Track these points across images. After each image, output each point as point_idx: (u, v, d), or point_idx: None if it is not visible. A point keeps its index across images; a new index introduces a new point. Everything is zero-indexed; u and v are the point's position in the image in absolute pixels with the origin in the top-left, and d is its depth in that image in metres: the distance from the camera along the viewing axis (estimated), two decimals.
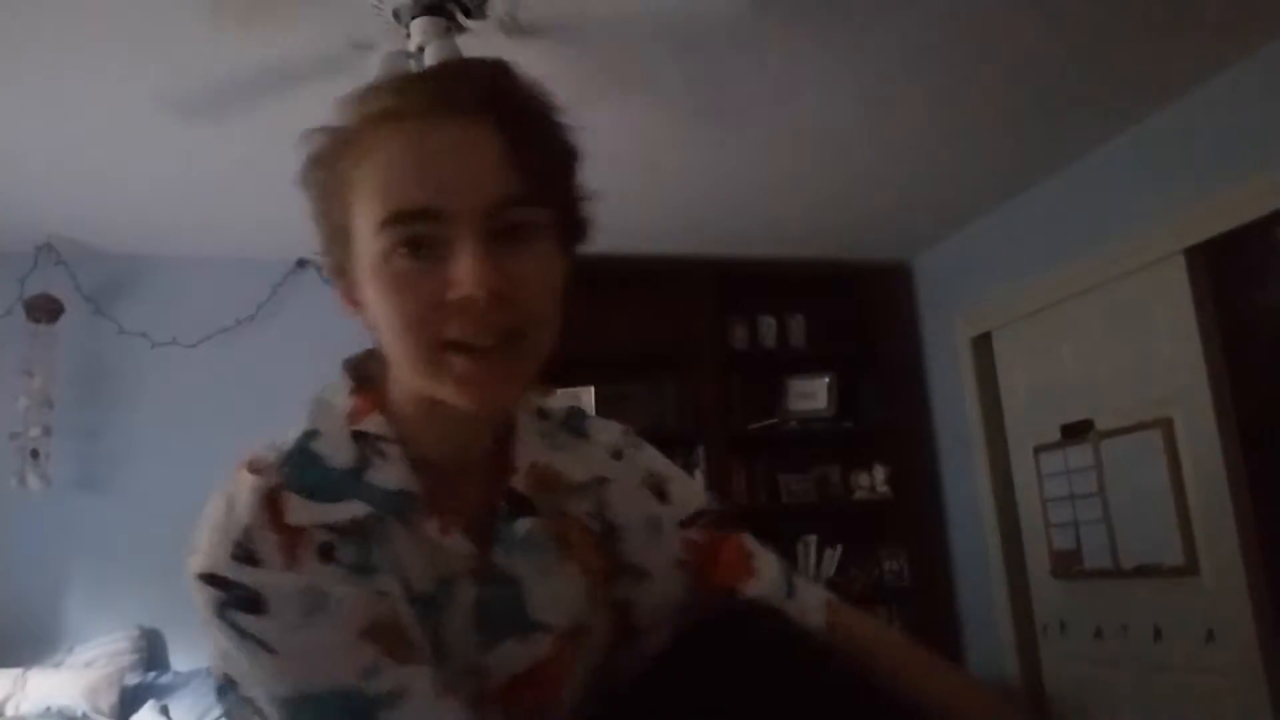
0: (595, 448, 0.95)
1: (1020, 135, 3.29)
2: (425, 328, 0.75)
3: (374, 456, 0.81)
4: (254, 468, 0.77)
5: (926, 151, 3.38)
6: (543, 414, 0.95)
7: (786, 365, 4.37)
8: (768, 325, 4.38)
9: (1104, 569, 3.38)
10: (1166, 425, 3.14)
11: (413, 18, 2.33)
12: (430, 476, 0.82)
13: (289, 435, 0.82)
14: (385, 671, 0.73)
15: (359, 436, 0.81)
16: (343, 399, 0.84)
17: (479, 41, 2.45)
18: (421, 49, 2.31)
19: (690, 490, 0.98)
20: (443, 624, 0.80)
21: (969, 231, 4.12)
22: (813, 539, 4.24)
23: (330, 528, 0.76)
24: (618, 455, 0.96)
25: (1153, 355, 3.22)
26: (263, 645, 0.72)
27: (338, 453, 0.80)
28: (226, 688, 0.80)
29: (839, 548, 4.24)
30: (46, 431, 3.59)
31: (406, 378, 0.80)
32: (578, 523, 0.91)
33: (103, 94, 2.70)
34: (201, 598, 0.74)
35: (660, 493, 0.96)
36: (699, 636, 0.85)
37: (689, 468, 4.13)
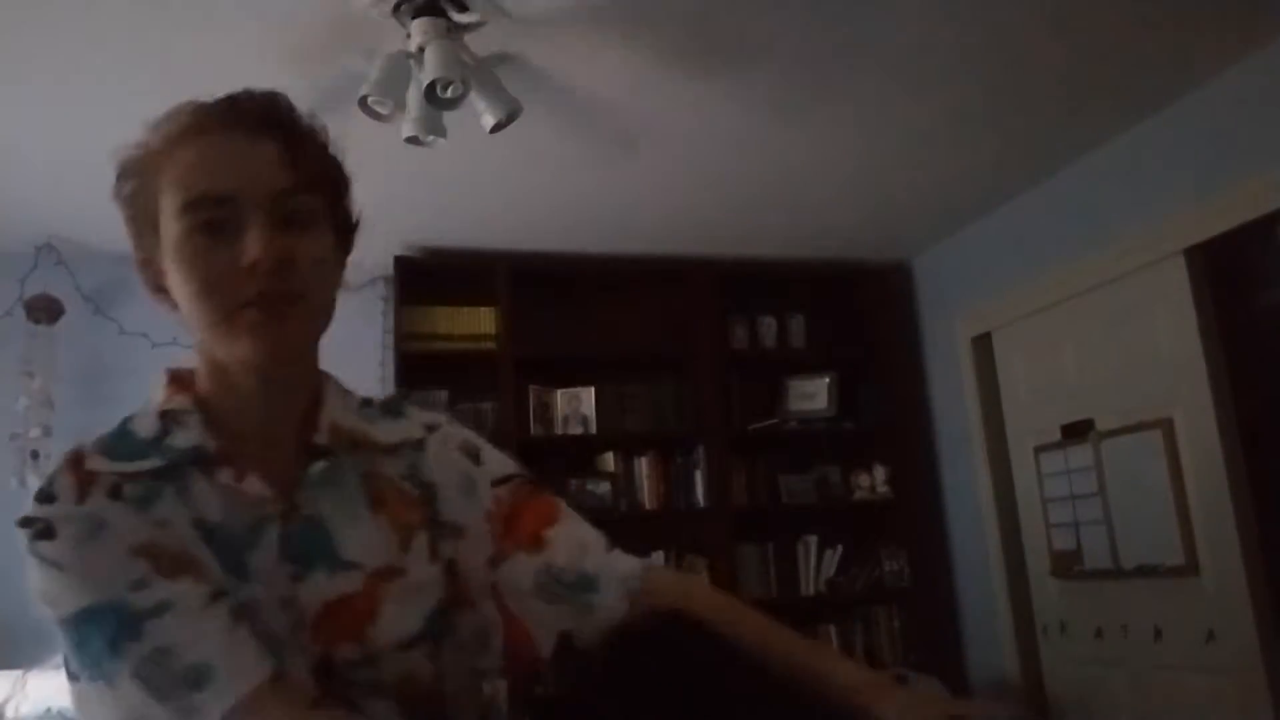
0: (410, 422, 1.06)
1: (1021, 135, 3.29)
2: (221, 291, 0.89)
3: (175, 427, 0.94)
4: (76, 444, 0.92)
5: (926, 152, 3.38)
6: (364, 402, 1.06)
7: (786, 365, 4.36)
8: (768, 325, 4.38)
9: (1104, 569, 3.38)
10: (1166, 425, 3.15)
11: (413, 17, 2.33)
12: (235, 441, 0.94)
13: None
14: (153, 585, 0.83)
15: (165, 414, 0.95)
16: (159, 393, 0.99)
17: (482, 41, 2.45)
18: (422, 49, 2.31)
19: (503, 459, 1.08)
20: (249, 557, 0.89)
21: (969, 231, 4.12)
22: (813, 539, 4.23)
23: (124, 475, 0.89)
24: (434, 428, 1.07)
25: (1153, 355, 3.22)
26: (53, 565, 0.85)
27: (144, 427, 0.94)
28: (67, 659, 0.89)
29: (839, 548, 4.24)
30: (46, 432, 3.59)
31: (206, 342, 0.94)
32: (390, 481, 1.00)
33: (103, 94, 2.69)
34: (23, 543, 0.86)
35: (474, 457, 1.06)
36: (626, 648, 0.92)
37: (689, 468, 4.14)
